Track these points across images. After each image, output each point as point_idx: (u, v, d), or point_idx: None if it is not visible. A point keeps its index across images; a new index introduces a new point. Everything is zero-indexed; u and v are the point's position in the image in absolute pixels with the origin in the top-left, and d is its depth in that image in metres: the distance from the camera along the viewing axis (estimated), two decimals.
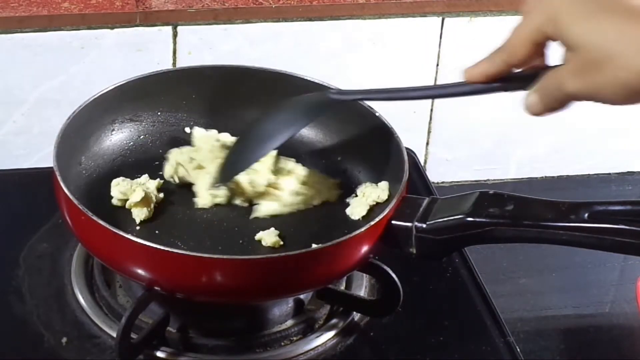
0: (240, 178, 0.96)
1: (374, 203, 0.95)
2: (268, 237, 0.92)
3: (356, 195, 0.97)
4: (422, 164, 1.33)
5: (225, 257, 0.86)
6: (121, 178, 0.96)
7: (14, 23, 1.17)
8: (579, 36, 0.72)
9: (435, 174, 1.35)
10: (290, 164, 1.00)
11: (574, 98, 0.74)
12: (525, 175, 1.41)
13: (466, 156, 1.38)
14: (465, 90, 0.82)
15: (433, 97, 0.91)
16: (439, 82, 1.31)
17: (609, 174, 1.42)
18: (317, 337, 0.93)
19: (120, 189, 0.94)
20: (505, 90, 0.80)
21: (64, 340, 0.92)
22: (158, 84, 1.03)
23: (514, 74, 0.78)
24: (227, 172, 0.95)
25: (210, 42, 1.23)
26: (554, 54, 0.76)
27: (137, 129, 1.03)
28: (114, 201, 0.95)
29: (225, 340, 0.92)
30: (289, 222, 0.96)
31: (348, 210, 0.96)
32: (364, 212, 0.95)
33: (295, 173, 0.99)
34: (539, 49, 0.76)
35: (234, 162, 0.95)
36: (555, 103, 0.75)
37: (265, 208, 0.96)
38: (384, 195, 0.95)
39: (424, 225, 0.87)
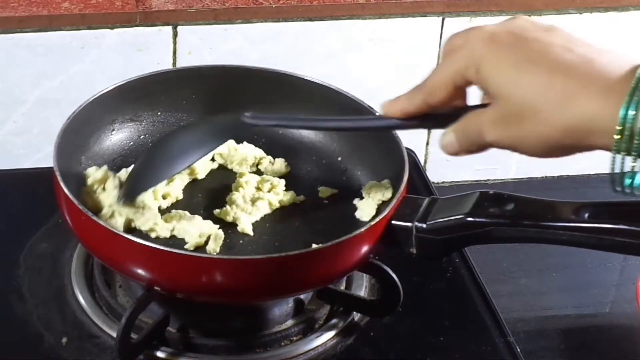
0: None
1: (380, 202, 0.95)
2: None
3: (362, 197, 0.97)
4: (422, 164, 1.33)
5: (225, 257, 0.86)
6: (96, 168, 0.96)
7: (14, 23, 1.17)
8: (501, 86, 0.71)
9: (435, 174, 1.34)
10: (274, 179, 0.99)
11: (493, 146, 0.74)
12: (525, 175, 1.41)
13: (466, 156, 1.37)
14: (382, 125, 0.83)
15: (349, 129, 0.91)
16: None
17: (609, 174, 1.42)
18: (317, 337, 0.93)
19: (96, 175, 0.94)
20: (423, 127, 0.80)
21: (64, 340, 0.92)
22: (158, 84, 1.03)
23: (433, 113, 0.78)
24: (133, 190, 0.91)
25: (210, 42, 1.23)
26: (474, 94, 0.76)
27: (137, 129, 1.03)
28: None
29: (225, 340, 0.92)
30: (289, 221, 0.96)
31: (357, 214, 0.95)
32: (373, 212, 0.95)
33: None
34: (459, 91, 0.75)
35: (139, 180, 0.91)
36: (473, 147, 0.75)
37: (247, 225, 0.95)
38: (388, 194, 0.95)
39: (424, 225, 0.87)
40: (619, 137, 0.67)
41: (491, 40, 0.72)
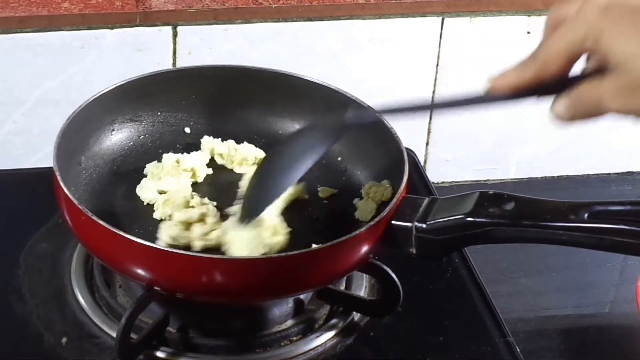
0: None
1: (380, 202, 0.95)
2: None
3: (361, 198, 0.97)
4: (422, 164, 1.33)
5: (225, 257, 0.86)
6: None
7: (14, 23, 1.17)
8: (623, 56, 0.70)
9: (435, 174, 1.35)
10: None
11: (613, 114, 0.72)
12: (525, 175, 1.41)
13: (466, 156, 1.38)
14: (489, 100, 0.78)
15: (454, 107, 0.86)
16: (439, 82, 1.31)
17: (609, 174, 1.42)
18: (317, 337, 0.93)
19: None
20: (530, 97, 0.77)
21: (64, 340, 0.92)
22: (158, 84, 1.03)
23: (544, 83, 0.75)
24: (254, 207, 0.90)
25: (210, 42, 1.23)
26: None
27: (137, 129, 1.03)
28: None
29: (225, 340, 0.92)
30: (290, 221, 0.96)
31: (357, 214, 0.96)
32: (373, 212, 0.95)
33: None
34: (574, 61, 0.74)
35: (259, 196, 0.91)
36: (590, 115, 0.73)
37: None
38: (388, 193, 0.95)
39: (424, 226, 0.87)
40: None
41: (608, 10, 0.71)
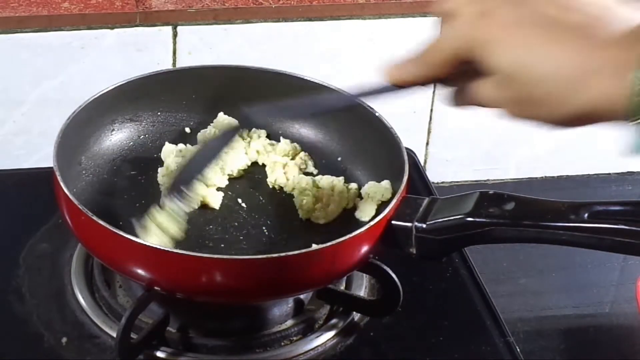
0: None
1: (380, 202, 0.95)
2: None
3: (361, 197, 0.97)
4: (422, 164, 1.33)
5: (225, 257, 0.86)
6: None
7: (14, 23, 1.17)
8: (511, 67, 0.68)
9: (435, 174, 1.35)
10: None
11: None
12: (525, 175, 1.41)
13: (466, 156, 1.38)
14: (386, 89, 0.80)
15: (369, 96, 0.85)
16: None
17: (609, 174, 1.42)
18: (317, 337, 0.93)
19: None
20: (426, 87, 0.78)
21: (64, 340, 0.92)
22: (158, 84, 1.03)
23: (432, 81, 0.76)
24: (184, 181, 0.91)
25: (210, 42, 1.23)
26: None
27: (137, 129, 1.03)
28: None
29: (225, 340, 0.92)
30: (290, 221, 0.96)
31: (357, 214, 0.96)
32: (372, 212, 0.95)
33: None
34: (460, 64, 0.72)
35: (190, 171, 0.92)
36: (475, 106, 0.74)
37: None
38: (387, 194, 0.95)
39: (424, 226, 0.87)
40: (634, 108, 0.65)
41: (485, 16, 0.69)
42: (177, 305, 0.91)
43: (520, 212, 0.85)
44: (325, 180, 0.98)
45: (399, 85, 0.78)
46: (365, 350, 0.94)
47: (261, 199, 0.99)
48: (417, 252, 0.88)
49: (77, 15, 1.18)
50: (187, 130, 1.05)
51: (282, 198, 0.99)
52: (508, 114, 0.71)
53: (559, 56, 0.66)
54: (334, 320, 0.95)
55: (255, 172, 1.02)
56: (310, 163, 1.02)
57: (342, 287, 0.98)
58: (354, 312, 0.96)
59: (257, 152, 1.03)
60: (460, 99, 0.75)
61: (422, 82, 0.76)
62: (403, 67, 0.77)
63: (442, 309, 0.99)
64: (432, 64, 0.74)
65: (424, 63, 0.75)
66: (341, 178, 0.99)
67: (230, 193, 0.99)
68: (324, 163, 1.03)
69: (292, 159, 1.02)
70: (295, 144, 1.03)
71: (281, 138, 1.04)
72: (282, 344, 0.92)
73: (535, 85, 0.67)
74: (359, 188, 0.99)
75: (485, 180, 1.39)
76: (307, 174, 1.02)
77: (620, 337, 1.14)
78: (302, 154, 1.03)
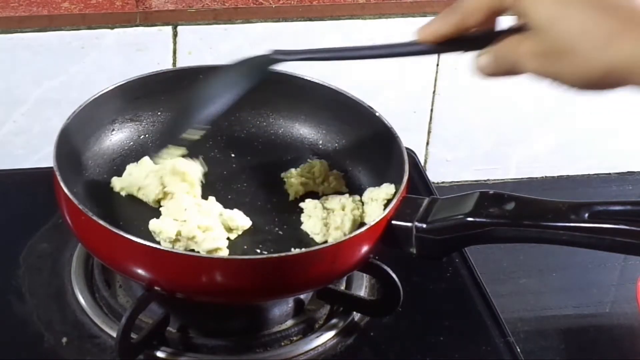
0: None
1: (386, 201, 0.94)
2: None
3: (364, 202, 0.97)
4: (422, 164, 1.33)
5: (225, 257, 0.86)
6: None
7: (14, 23, 1.17)
8: (542, 20, 0.69)
9: (435, 174, 1.35)
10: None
11: (530, 74, 0.72)
12: (525, 175, 1.41)
13: (466, 156, 1.38)
14: (417, 50, 0.79)
15: (381, 56, 0.86)
16: (439, 82, 1.31)
17: (609, 174, 1.42)
18: (317, 337, 0.93)
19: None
20: (457, 50, 0.78)
21: (64, 340, 0.92)
22: (158, 84, 1.03)
23: (467, 35, 0.76)
24: (173, 133, 0.88)
25: (210, 42, 1.23)
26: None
27: (137, 129, 1.03)
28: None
29: (225, 340, 0.92)
30: (290, 221, 0.96)
31: (366, 220, 0.94)
32: (380, 213, 0.91)
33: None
34: (495, 15, 0.74)
35: (178, 123, 0.89)
36: (510, 73, 0.74)
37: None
38: (391, 190, 0.94)
39: (424, 225, 0.87)
40: None
41: None
42: (177, 305, 0.91)
43: (520, 212, 0.85)
44: (332, 201, 0.97)
45: (431, 42, 0.77)
46: (365, 350, 0.94)
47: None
48: (417, 252, 0.88)
49: (77, 15, 1.18)
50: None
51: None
52: (535, 71, 0.71)
53: (590, 16, 0.68)
54: (334, 320, 0.95)
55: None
56: (343, 182, 1.01)
57: (342, 287, 0.98)
58: (354, 312, 0.96)
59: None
60: (491, 62, 0.74)
61: (454, 39, 0.76)
62: (437, 20, 0.76)
63: (442, 309, 0.99)
64: (466, 13, 0.74)
65: (458, 11, 0.75)
66: (346, 196, 0.98)
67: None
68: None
69: (323, 181, 1.00)
70: (323, 161, 1.02)
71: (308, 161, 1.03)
72: (282, 344, 0.92)
73: (564, 39, 0.68)
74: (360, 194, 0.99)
75: (485, 180, 1.39)
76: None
77: (620, 337, 1.14)
78: (335, 172, 1.01)
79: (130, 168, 0.98)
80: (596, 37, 0.67)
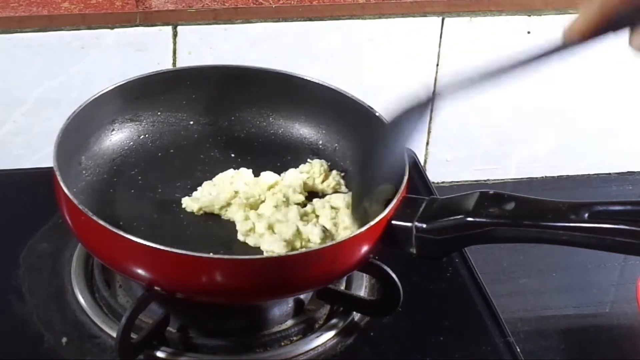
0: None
1: (385, 202, 0.94)
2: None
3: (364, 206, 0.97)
4: (422, 164, 1.33)
5: (225, 257, 0.86)
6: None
7: (14, 23, 1.17)
8: None
9: (435, 174, 1.35)
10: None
11: None
12: (525, 175, 1.41)
13: (466, 156, 1.38)
14: (571, 48, 0.77)
15: (537, 61, 0.81)
16: (439, 82, 1.31)
17: (609, 174, 1.42)
18: (317, 337, 0.93)
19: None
20: (607, 33, 0.75)
21: (64, 340, 0.92)
22: (158, 84, 1.03)
23: (613, 17, 0.73)
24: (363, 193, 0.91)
25: (210, 42, 1.23)
26: None
27: (137, 129, 1.03)
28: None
29: (225, 340, 0.92)
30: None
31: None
32: (381, 212, 0.91)
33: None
34: None
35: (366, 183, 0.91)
36: None
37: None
38: (391, 191, 0.94)
39: (424, 225, 0.87)
40: None
41: None
42: (177, 305, 0.91)
43: (520, 212, 0.85)
44: (336, 200, 0.97)
45: (580, 39, 0.76)
46: (365, 350, 0.94)
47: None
48: (417, 252, 0.88)
49: (77, 15, 1.18)
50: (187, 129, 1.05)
51: None
52: None
53: None
54: (334, 320, 0.95)
55: None
56: (342, 182, 1.01)
57: (342, 287, 0.98)
58: (354, 312, 0.96)
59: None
60: None
61: (602, 25, 0.74)
62: (580, 15, 0.75)
63: (442, 309, 0.99)
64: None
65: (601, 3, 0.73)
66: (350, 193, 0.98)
67: None
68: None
69: (323, 180, 1.00)
70: (323, 161, 1.02)
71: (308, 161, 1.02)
72: (282, 344, 0.92)
73: None
74: None
75: (485, 180, 1.39)
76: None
77: (620, 337, 1.14)
78: (334, 173, 1.01)
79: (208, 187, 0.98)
80: None
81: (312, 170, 1.00)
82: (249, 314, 0.95)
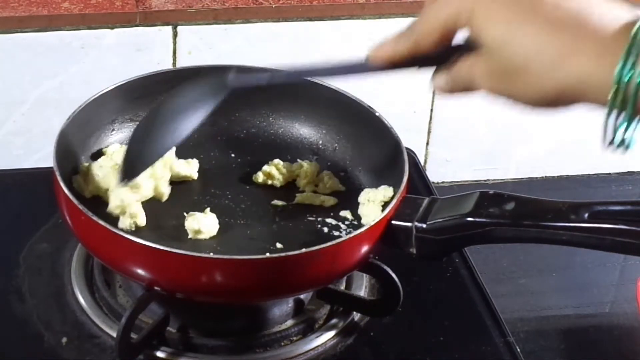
0: None
1: (383, 203, 0.95)
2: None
3: (360, 203, 0.97)
4: (422, 164, 1.33)
5: (225, 257, 0.86)
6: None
7: (14, 23, 1.17)
8: (494, 41, 0.69)
9: (435, 174, 1.34)
10: None
11: (485, 93, 0.73)
12: (525, 175, 1.41)
13: (466, 156, 1.38)
14: (370, 69, 0.79)
15: (332, 74, 0.85)
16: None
17: (609, 174, 1.42)
18: (317, 337, 0.93)
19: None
20: (411, 67, 0.77)
21: (64, 340, 0.92)
22: (158, 84, 1.03)
23: (420, 56, 0.75)
24: (133, 167, 0.89)
25: (210, 42, 1.23)
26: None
27: None
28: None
29: (225, 340, 0.92)
30: (291, 221, 0.96)
31: (363, 220, 0.95)
32: (378, 214, 0.92)
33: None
34: (449, 35, 0.73)
35: (138, 156, 0.89)
36: (465, 91, 0.74)
37: None
38: (389, 193, 0.95)
39: (424, 226, 0.87)
40: (613, 96, 0.66)
41: None
42: (177, 305, 0.91)
43: (520, 212, 0.85)
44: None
45: (383, 65, 0.77)
46: (365, 350, 0.94)
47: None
48: (417, 252, 0.88)
49: (77, 15, 1.18)
50: None
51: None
52: (490, 90, 0.72)
53: (541, 36, 0.68)
54: (334, 320, 0.95)
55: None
56: (337, 180, 1.01)
57: (342, 287, 0.98)
58: (354, 312, 0.96)
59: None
60: (448, 82, 0.75)
61: (408, 59, 0.76)
62: (390, 43, 0.76)
63: (442, 309, 0.99)
64: (420, 35, 0.74)
65: (412, 34, 0.75)
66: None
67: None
68: (324, 163, 1.03)
69: (309, 182, 1.01)
70: (314, 162, 1.02)
71: (299, 161, 1.02)
72: (282, 344, 0.92)
73: (517, 59, 0.68)
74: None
75: (485, 180, 1.39)
76: None
77: (620, 337, 1.14)
78: (325, 173, 1.01)
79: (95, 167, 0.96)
80: (548, 57, 0.67)
81: (298, 172, 1.01)
82: (249, 314, 0.95)
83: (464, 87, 0.74)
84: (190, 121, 0.88)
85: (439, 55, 0.74)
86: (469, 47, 0.73)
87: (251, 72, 0.93)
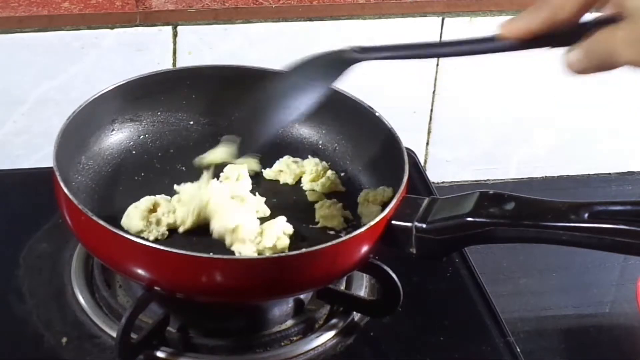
0: None
1: (382, 203, 0.95)
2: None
3: (358, 203, 0.97)
4: (422, 164, 1.33)
5: (225, 257, 0.86)
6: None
7: (14, 23, 1.17)
8: (638, 6, 0.67)
9: (435, 174, 1.35)
10: None
11: (625, 65, 0.70)
12: (525, 175, 1.41)
13: (466, 156, 1.38)
14: (501, 46, 0.75)
15: (463, 53, 0.79)
16: (439, 83, 1.31)
17: (609, 174, 1.42)
18: (317, 337, 0.93)
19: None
20: (544, 46, 0.74)
21: (64, 340, 0.92)
22: (158, 84, 1.03)
23: (555, 30, 0.72)
24: (251, 141, 0.89)
25: (210, 42, 1.23)
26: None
27: (137, 129, 1.03)
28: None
29: (225, 340, 0.92)
30: (291, 221, 0.96)
31: (363, 220, 0.95)
32: (378, 214, 0.93)
33: None
34: (588, 7, 0.71)
35: (257, 128, 0.89)
36: (603, 66, 0.71)
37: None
38: (389, 193, 0.95)
39: (424, 226, 0.87)
40: None
41: None
42: (177, 305, 0.91)
43: (520, 212, 0.85)
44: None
45: (514, 43, 0.74)
46: (365, 350, 0.94)
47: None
48: (417, 252, 0.88)
49: (77, 15, 1.18)
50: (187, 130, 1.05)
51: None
52: (633, 61, 0.69)
53: None
54: (334, 320, 0.95)
55: None
56: (339, 181, 1.01)
57: (342, 287, 0.98)
58: (354, 312, 0.96)
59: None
60: (582, 57, 0.71)
61: (542, 36, 0.72)
62: (525, 15, 0.73)
63: (442, 309, 0.99)
64: (558, 5, 0.71)
65: (549, 5, 0.71)
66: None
67: None
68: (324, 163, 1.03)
69: (316, 179, 1.01)
70: (317, 159, 1.02)
71: (309, 157, 1.03)
72: (282, 344, 0.92)
73: None
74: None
75: (485, 180, 1.39)
76: None
77: (620, 337, 1.14)
78: (329, 173, 1.01)
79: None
80: None
81: (308, 168, 1.01)
82: (249, 314, 0.95)
83: (601, 62, 0.71)
84: (307, 98, 0.87)
85: (572, 32, 0.71)
86: (603, 21, 0.70)
87: (372, 50, 0.89)
